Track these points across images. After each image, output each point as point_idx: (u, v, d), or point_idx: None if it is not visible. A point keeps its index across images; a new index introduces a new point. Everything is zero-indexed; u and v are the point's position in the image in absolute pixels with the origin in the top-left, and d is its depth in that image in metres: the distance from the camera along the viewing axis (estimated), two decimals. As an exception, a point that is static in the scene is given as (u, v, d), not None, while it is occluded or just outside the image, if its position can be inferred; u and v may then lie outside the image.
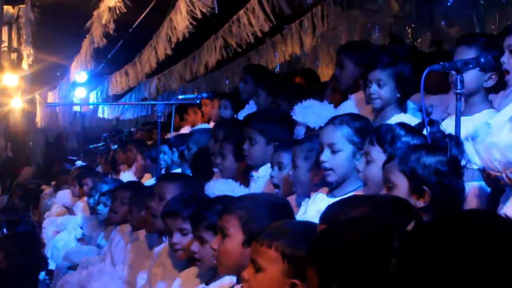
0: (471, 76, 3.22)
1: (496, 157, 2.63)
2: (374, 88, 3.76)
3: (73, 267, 6.10)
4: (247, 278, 2.38)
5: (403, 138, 2.92)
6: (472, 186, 2.90)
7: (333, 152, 3.27)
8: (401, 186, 2.58)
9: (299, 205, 3.58)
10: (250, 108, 6.04)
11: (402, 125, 3.02)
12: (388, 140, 2.93)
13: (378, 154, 2.94)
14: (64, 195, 8.77)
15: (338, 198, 3.09)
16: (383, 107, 3.80)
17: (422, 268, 1.36)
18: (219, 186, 4.16)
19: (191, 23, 6.34)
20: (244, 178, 4.42)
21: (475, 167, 2.86)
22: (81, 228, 7.22)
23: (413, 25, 6.97)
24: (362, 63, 4.40)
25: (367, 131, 3.22)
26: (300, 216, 3.31)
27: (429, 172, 2.54)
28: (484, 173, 2.77)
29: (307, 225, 2.45)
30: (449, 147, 2.59)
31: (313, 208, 3.31)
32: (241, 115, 5.92)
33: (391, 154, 2.67)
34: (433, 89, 4.11)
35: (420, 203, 2.53)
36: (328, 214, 2.18)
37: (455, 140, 2.64)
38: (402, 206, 2.19)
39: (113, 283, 4.74)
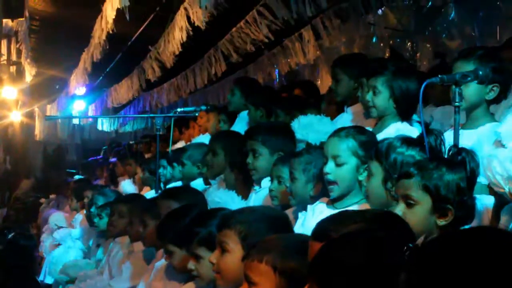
0: (472, 90, 3.22)
1: (498, 170, 2.63)
2: (369, 95, 3.78)
3: (71, 281, 6.08)
4: None
5: (398, 149, 2.92)
6: (485, 201, 2.89)
7: (337, 164, 3.26)
8: (424, 203, 2.54)
9: (296, 217, 3.57)
10: (240, 121, 6.08)
11: (398, 136, 3.03)
12: (383, 152, 2.93)
13: (376, 168, 2.95)
14: (58, 217, 8.74)
15: (339, 210, 3.09)
16: (380, 116, 3.81)
17: (432, 282, 1.37)
18: (220, 195, 4.15)
19: (189, 37, 6.34)
20: (245, 189, 4.42)
21: (483, 180, 2.84)
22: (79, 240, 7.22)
23: (413, 38, 6.98)
24: (357, 76, 4.43)
25: (372, 145, 3.21)
26: (298, 228, 3.30)
27: (452, 190, 2.52)
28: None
29: (298, 238, 2.45)
30: (468, 161, 2.58)
31: (314, 219, 3.29)
32: (233, 128, 5.97)
33: (407, 171, 2.61)
34: (439, 101, 4.11)
35: (441, 222, 2.52)
36: (320, 230, 2.16)
37: (471, 154, 2.62)
38: (394, 220, 2.19)
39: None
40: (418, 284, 1.40)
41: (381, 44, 7.14)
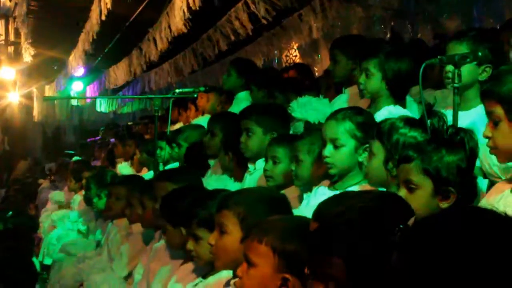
0: (466, 70, 3.20)
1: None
2: (362, 78, 3.79)
3: (70, 262, 6.09)
4: (241, 275, 2.38)
5: (401, 130, 2.90)
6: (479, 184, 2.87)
7: (336, 147, 3.27)
8: (426, 187, 2.52)
9: (301, 199, 3.58)
10: (237, 102, 6.08)
11: (401, 117, 3.01)
12: (386, 132, 2.92)
13: (377, 148, 2.94)
14: (59, 195, 8.78)
15: (339, 191, 3.10)
16: (373, 98, 3.82)
17: (423, 262, 1.37)
18: (212, 182, 4.15)
19: (188, 17, 6.31)
20: (239, 170, 4.42)
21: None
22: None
23: (413, 19, 6.94)
24: (355, 57, 4.42)
25: (370, 126, 3.22)
26: (301, 210, 3.30)
27: (453, 172, 2.50)
28: None
29: (299, 220, 2.44)
30: (467, 140, 2.56)
31: (314, 201, 3.30)
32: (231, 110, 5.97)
33: (406, 155, 2.59)
34: (436, 83, 4.10)
35: (444, 205, 2.49)
36: (320, 211, 2.16)
37: (469, 133, 2.60)
38: (395, 200, 2.18)
39: (110, 277, 4.74)
40: (409, 264, 1.40)
41: (381, 26, 7.10)
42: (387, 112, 3.57)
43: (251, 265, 2.34)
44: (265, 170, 3.86)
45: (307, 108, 4.14)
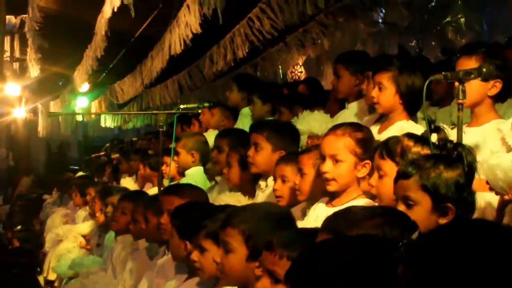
0: (473, 86, 3.20)
1: (500, 177, 2.61)
2: (375, 91, 3.76)
3: (74, 277, 6.10)
4: None
5: (413, 149, 2.89)
6: (487, 198, 2.87)
7: (335, 163, 3.25)
8: (424, 203, 2.51)
9: (304, 214, 3.56)
10: (242, 118, 6.10)
11: (409, 135, 3.00)
12: (399, 152, 2.90)
13: (390, 168, 2.89)
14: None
15: (336, 207, 3.10)
16: (385, 113, 3.79)
17: (429, 275, 1.37)
18: (226, 199, 4.14)
19: (192, 33, 6.33)
20: (249, 187, 4.41)
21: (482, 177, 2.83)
22: (83, 237, 7.24)
23: (419, 35, 6.97)
24: (359, 73, 4.43)
25: (369, 142, 3.22)
26: (302, 225, 3.30)
27: (451, 188, 2.49)
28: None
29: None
30: (464, 155, 2.55)
31: (312, 218, 3.29)
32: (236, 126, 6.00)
33: (404, 171, 2.58)
34: (442, 99, 4.11)
35: (443, 221, 2.47)
36: (330, 225, 2.16)
37: (467, 148, 2.60)
38: (398, 217, 2.18)
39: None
40: (414, 277, 1.40)
41: (386, 41, 7.13)
42: (399, 128, 3.56)
43: (277, 280, 2.31)
44: (274, 190, 3.82)
45: (310, 120, 4.14)
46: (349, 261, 1.71)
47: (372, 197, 3.15)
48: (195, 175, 5.47)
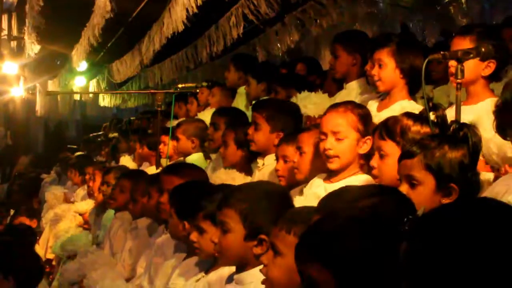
0: (468, 65, 3.19)
1: (494, 151, 2.62)
2: (375, 69, 3.75)
3: (72, 256, 6.11)
4: (266, 263, 2.39)
5: (413, 128, 2.90)
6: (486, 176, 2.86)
7: (338, 139, 3.26)
8: (428, 183, 2.52)
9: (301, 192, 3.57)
10: (238, 97, 6.09)
11: (408, 114, 3.00)
12: (398, 132, 2.91)
13: (391, 148, 2.92)
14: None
15: (335, 184, 3.11)
16: (387, 90, 3.78)
17: (434, 250, 1.38)
18: (221, 176, 4.15)
19: (191, 12, 6.31)
20: (245, 166, 4.42)
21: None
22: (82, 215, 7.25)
23: (419, 16, 6.94)
24: (356, 52, 4.41)
25: (369, 118, 3.26)
26: (298, 203, 3.31)
27: (455, 168, 2.49)
28: None
29: None
30: (470, 136, 2.55)
31: (310, 194, 3.30)
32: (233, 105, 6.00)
33: (409, 150, 2.59)
34: (440, 79, 4.11)
35: (446, 201, 2.47)
36: (326, 205, 2.17)
37: (472, 128, 2.60)
38: (395, 196, 2.20)
39: (111, 272, 4.75)
40: (420, 252, 1.41)
41: (386, 21, 7.10)
42: (400, 107, 3.56)
43: (277, 254, 2.35)
44: (276, 170, 3.83)
45: (306, 103, 4.14)
46: (357, 234, 1.73)
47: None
48: (196, 162, 5.47)
